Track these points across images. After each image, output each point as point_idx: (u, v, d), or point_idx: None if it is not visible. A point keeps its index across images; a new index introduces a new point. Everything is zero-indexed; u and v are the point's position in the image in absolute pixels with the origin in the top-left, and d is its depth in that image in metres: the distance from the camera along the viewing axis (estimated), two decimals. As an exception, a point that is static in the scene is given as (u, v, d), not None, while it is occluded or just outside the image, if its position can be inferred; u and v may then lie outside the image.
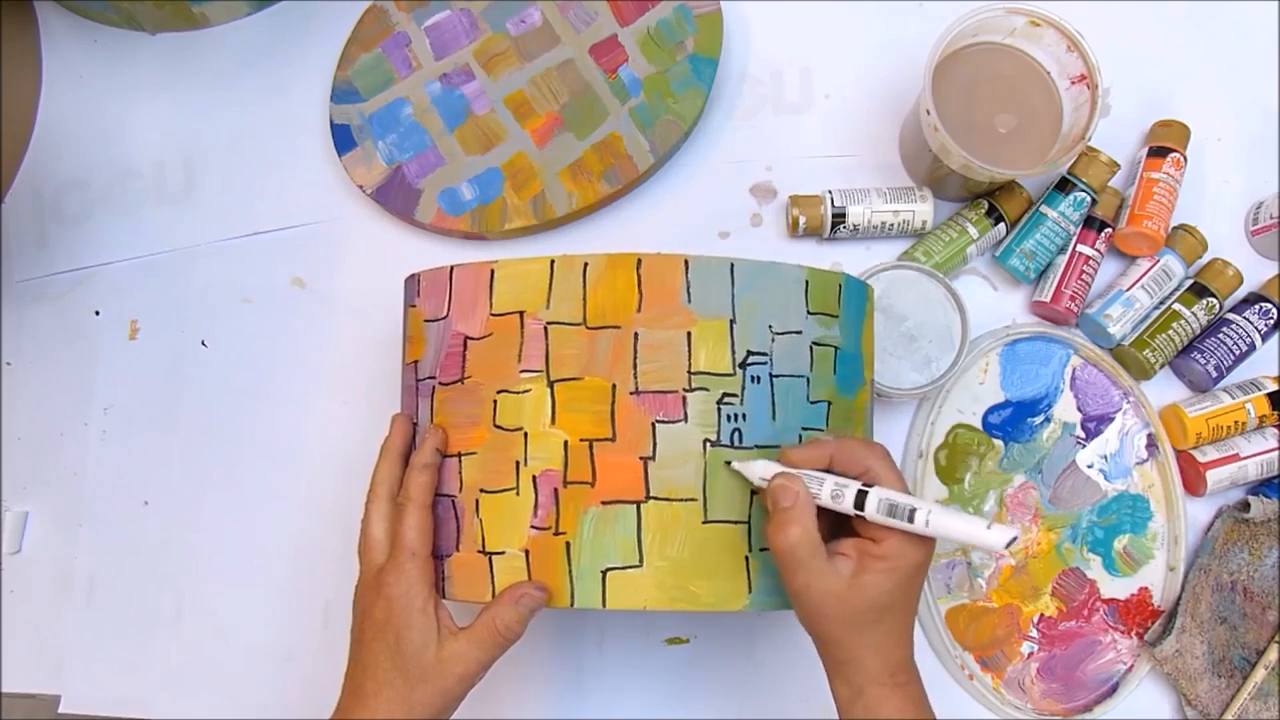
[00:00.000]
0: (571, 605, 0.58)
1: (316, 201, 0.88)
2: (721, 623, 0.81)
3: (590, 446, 0.59)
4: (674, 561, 0.58)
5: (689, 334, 0.59)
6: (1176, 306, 0.81)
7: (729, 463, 0.59)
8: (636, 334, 0.59)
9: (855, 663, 0.57)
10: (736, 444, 0.59)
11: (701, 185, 0.86)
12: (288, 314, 0.86)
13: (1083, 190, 0.81)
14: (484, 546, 0.61)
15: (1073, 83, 0.78)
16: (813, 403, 0.62)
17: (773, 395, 0.60)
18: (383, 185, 0.85)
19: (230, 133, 0.90)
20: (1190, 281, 0.83)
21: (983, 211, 0.82)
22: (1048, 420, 0.82)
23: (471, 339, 0.62)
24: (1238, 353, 0.81)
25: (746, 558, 0.60)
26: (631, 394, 0.59)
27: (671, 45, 0.85)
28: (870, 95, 0.87)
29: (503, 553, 0.60)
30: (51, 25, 0.93)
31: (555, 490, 0.59)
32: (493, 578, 0.60)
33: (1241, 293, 0.83)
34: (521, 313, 0.60)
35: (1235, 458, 0.80)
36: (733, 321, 0.60)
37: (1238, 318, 0.81)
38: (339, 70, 0.87)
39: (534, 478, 0.59)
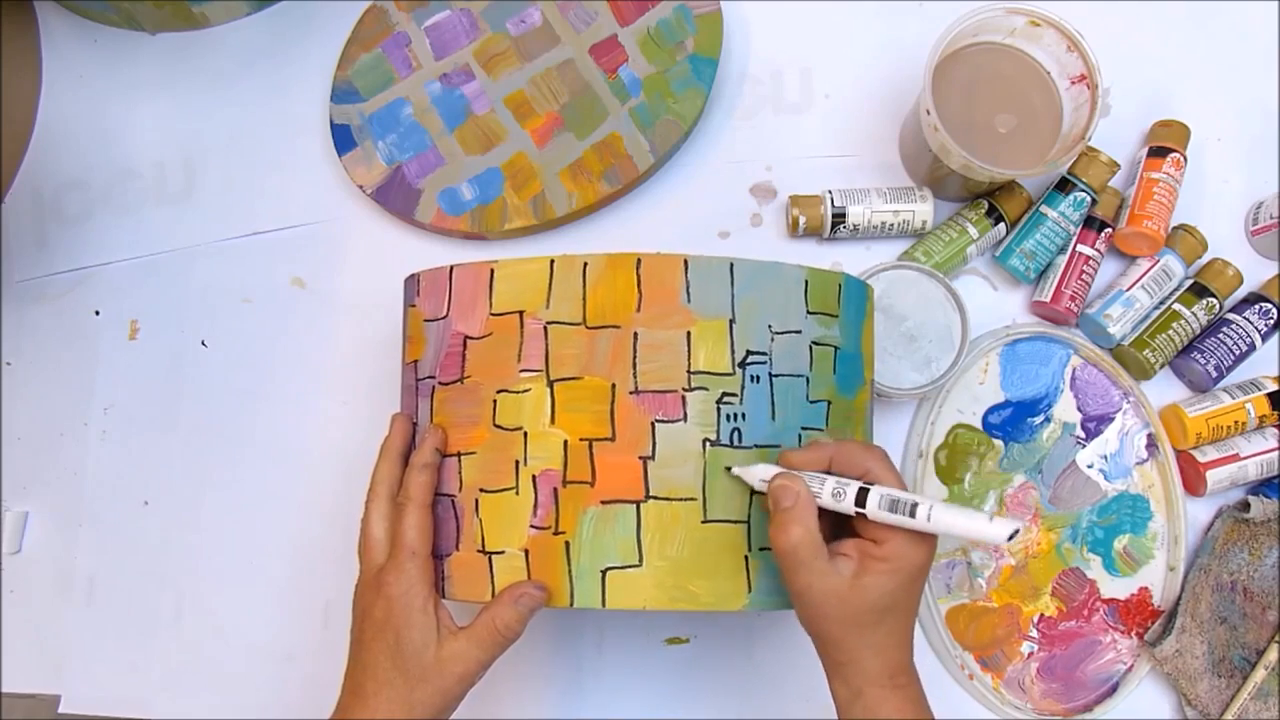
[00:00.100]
0: (571, 605, 0.59)
1: (316, 201, 0.88)
2: (721, 623, 0.81)
3: (590, 446, 0.59)
4: (673, 561, 0.58)
5: (688, 334, 0.59)
6: (1176, 306, 0.81)
7: (729, 469, 0.59)
8: (636, 334, 0.59)
9: (855, 663, 0.57)
10: (736, 443, 0.59)
11: (701, 185, 0.86)
12: (288, 314, 0.86)
13: (1083, 190, 0.81)
14: (484, 546, 0.61)
15: (1073, 83, 0.78)
16: (812, 402, 0.62)
17: (772, 395, 0.60)
18: (383, 185, 0.85)
19: (230, 133, 0.90)
20: (1190, 281, 0.83)
21: (983, 211, 0.82)
22: (1048, 420, 0.82)
23: (471, 339, 0.62)
24: (1238, 353, 0.81)
25: (746, 557, 0.60)
26: (631, 393, 0.59)
27: (671, 45, 0.85)
28: (870, 95, 0.87)
29: (502, 552, 0.60)
30: (51, 25, 0.93)
31: (555, 490, 0.59)
32: (492, 577, 0.60)
33: (1241, 293, 0.83)
34: (521, 312, 0.60)
35: (1235, 458, 0.80)
36: (732, 321, 0.60)
37: (1238, 318, 0.81)
38: (339, 70, 0.87)
39: (533, 477, 0.59)
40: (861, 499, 0.56)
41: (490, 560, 0.60)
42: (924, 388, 0.76)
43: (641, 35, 0.85)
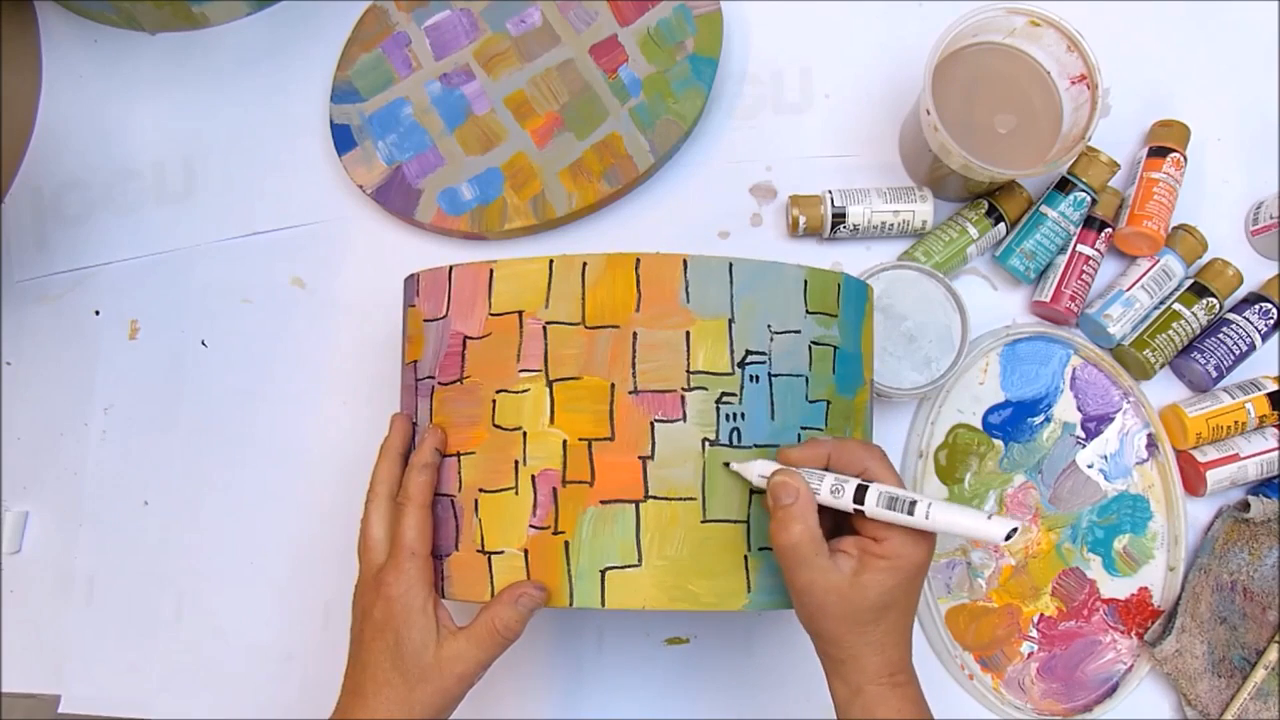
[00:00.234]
0: (570, 605, 0.59)
1: (316, 201, 0.88)
2: (721, 623, 0.81)
3: (589, 446, 0.59)
4: (673, 561, 0.58)
5: (688, 333, 0.59)
6: (1176, 306, 0.81)
7: (727, 464, 0.59)
8: (635, 333, 0.59)
9: (854, 661, 0.57)
10: (735, 443, 0.59)
11: (701, 185, 0.86)
12: (288, 314, 0.86)
13: (1083, 190, 0.81)
14: (483, 546, 0.61)
15: (1073, 83, 0.78)
16: (811, 402, 0.62)
17: (771, 395, 0.60)
18: (383, 185, 0.85)
19: (230, 133, 0.90)
20: (1190, 281, 0.83)
21: (983, 211, 0.82)
22: (1048, 420, 0.82)
23: (470, 339, 0.62)
24: (1238, 353, 0.81)
25: (746, 557, 0.60)
26: (630, 393, 0.59)
27: (671, 45, 0.85)
28: (870, 95, 0.87)
29: (502, 552, 0.60)
30: (51, 25, 0.93)
31: (554, 490, 0.59)
32: (492, 577, 0.60)
33: (1241, 293, 0.83)
34: (520, 312, 0.60)
35: (1235, 458, 0.80)
36: (731, 321, 0.60)
37: (1238, 318, 0.81)
38: (339, 70, 0.87)
39: (533, 477, 0.59)
40: (860, 496, 0.56)
41: (490, 560, 0.60)
42: (924, 388, 0.76)
43: (641, 35, 0.85)
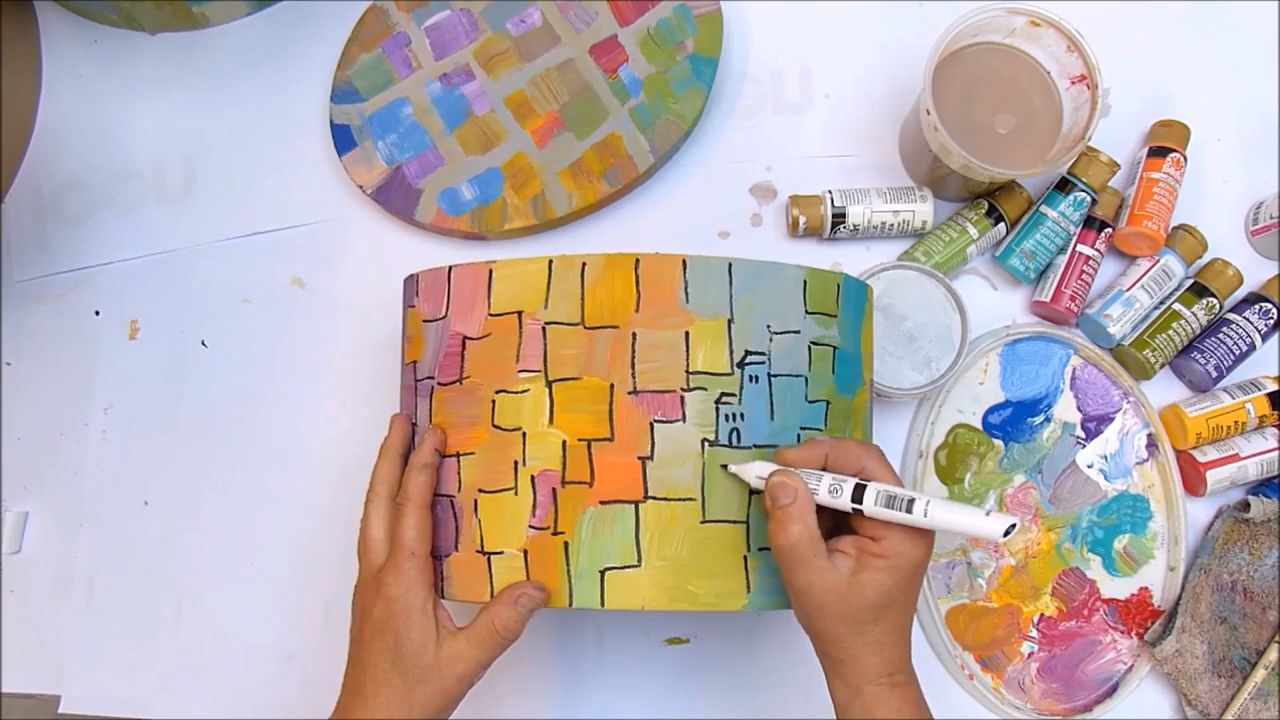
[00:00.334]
0: (570, 605, 0.59)
1: (316, 201, 0.88)
2: (721, 623, 0.81)
3: (588, 446, 0.59)
4: (672, 561, 0.58)
5: (687, 334, 0.59)
6: (1176, 306, 0.81)
7: (725, 466, 0.59)
8: (634, 334, 0.59)
9: (853, 661, 0.57)
10: (735, 444, 0.59)
11: (701, 185, 0.86)
12: (288, 314, 0.86)
13: (1083, 190, 0.81)
14: (483, 546, 0.61)
15: (1073, 83, 0.78)
16: (811, 402, 0.62)
17: (771, 395, 0.60)
18: (383, 185, 0.85)
19: (230, 133, 0.90)
20: (1190, 281, 0.83)
21: (983, 211, 0.82)
22: (1048, 420, 0.82)
23: (470, 339, 0.62)
24: (1238, 353, 0.81)
25: (745, 557, 0.60)
26: (630, 394, 0.59)
27: (671, 45, 0.85)
28: (870, 95, 0.87)
29: (501, 553, 0.60)
30: (51, 25, 0.93)
31: (553, 490, 0.59)
32: (491, 578, 0.60)
33: (1241, 293, 0.83)
34: (520, 313, 0.60)
35: (1235, 458, 0.80)
36: (731, 321, 0.60)
37: (1238, 318, 0.81)
38: (339, 70, 0.87)
39: (532, 477, 0.59)
40: (858, 495, 0.56)
41: (489, 560, 0.60)
42: (924, 388, 0.76)
43: (641, 35, 0.85)
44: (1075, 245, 0.82)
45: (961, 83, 0.80)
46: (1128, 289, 0.81)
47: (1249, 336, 0.81)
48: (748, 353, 0.60)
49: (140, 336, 0.87)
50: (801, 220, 0.83)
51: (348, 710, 0.60)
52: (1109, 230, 0.82)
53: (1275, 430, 0.81)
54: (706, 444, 0.59)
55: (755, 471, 0.58)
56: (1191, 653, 0.77)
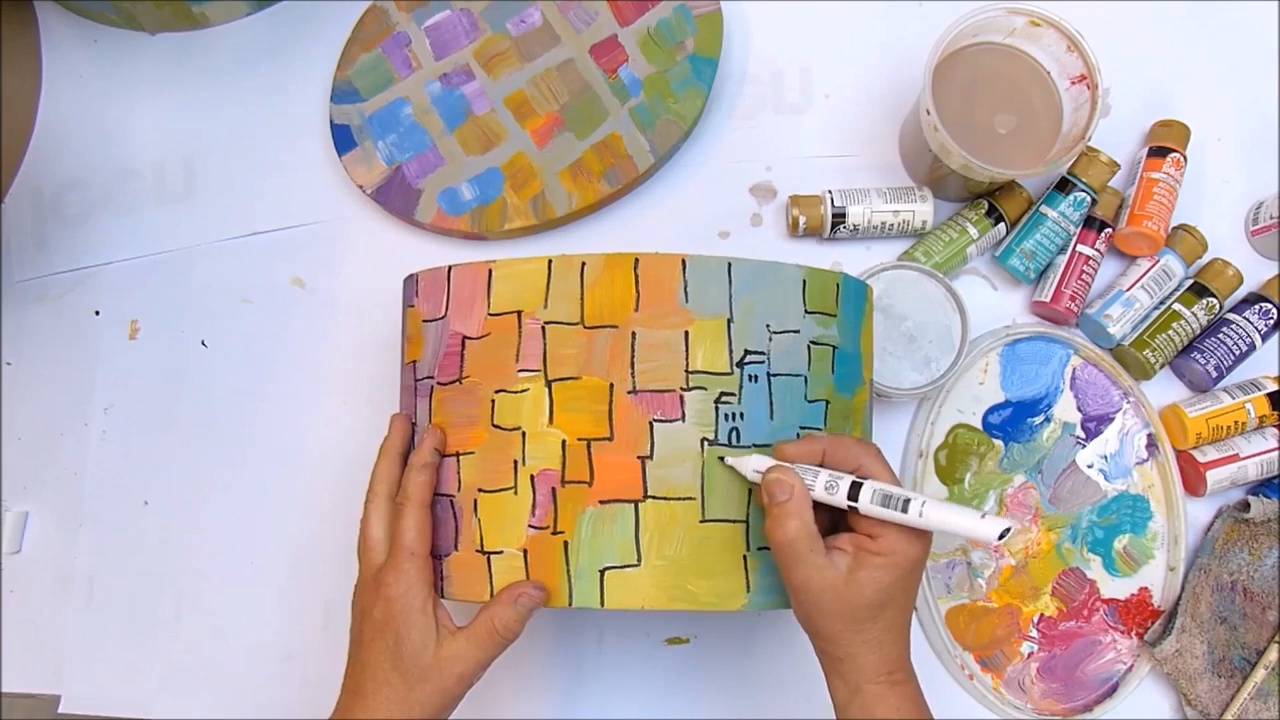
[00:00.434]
0: (570, 605, 0.59)
1: (316, 201, 0.88)
2: (721, 622, 0.81)
3: (588, 446, 0.59)
4: (672, 561, 0.58)
5: (686, 333, 0.59)
6: (1176, 306, 0.81)
7: (722, 458, 0.59)
8: (634, 333, 0.59)
9: (852, 660, 0.57)
10: (734, 443, 0.59)
11: (701, 185, 0.86)
12: (288, 314, 0.86)
13: (1083, 190, 0.81)
14: (482, 546, 0.61)
15: (1073, 83, 0.78)
16: (810, 402, 0.62)
17: (770, 394, 0.60)
18: (383, 185, 0.85)
19: (230, 133, 0.90)
20: (1190, 281, 0.83)
21: (983, 211, 0.82)
22: (1048, 420, 0.82)
23: (469, 339, 0.62)
24: (1238, 353, 0.81)
25: (745, 557, 0.60)
26: (629, 393, 0.59)
27: (671, 45, 0.85)
28: (870, 95, 0.87)
29: (501, 552, 0.60)
30: (51, 25, 0.93)
31: (553, 489, 0.59)
32: (491, 577, 0.60)
33: (1241, 293, 0.83)
34: (519, 312, 0.60)
35: (1235, 458, 0.80)
36: (730, 321, 0.60)
37: (1238, 318, 0.81)
38: (339, 70, 0.87)
39: (532, 477, 0.59)
40: (854, 493, 0.56)
41: (489, 560, 0.60)
42: (924, 388, 0.76)
43: (641, 35, 0.85)
44: (1075, 245, 0.82)
45: (961, 83, 0.80)
46: (1128, 289, 0.81)
47: (1249, 336, 0.81)
48: (747, 352, 0.60)
49: (140, 336, 0.87)
50: (801, 220, 0.83)
51: (347, 710, 0.60)
52: (1109, 230, 0.82)
53: (1275, 430, 0.81)
54: (706, 443, 0.59)
55: (752, 465, 0.58)
56: (1191, 653, 0.77)
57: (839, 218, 0.82)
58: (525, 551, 0.59)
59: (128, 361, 0.87)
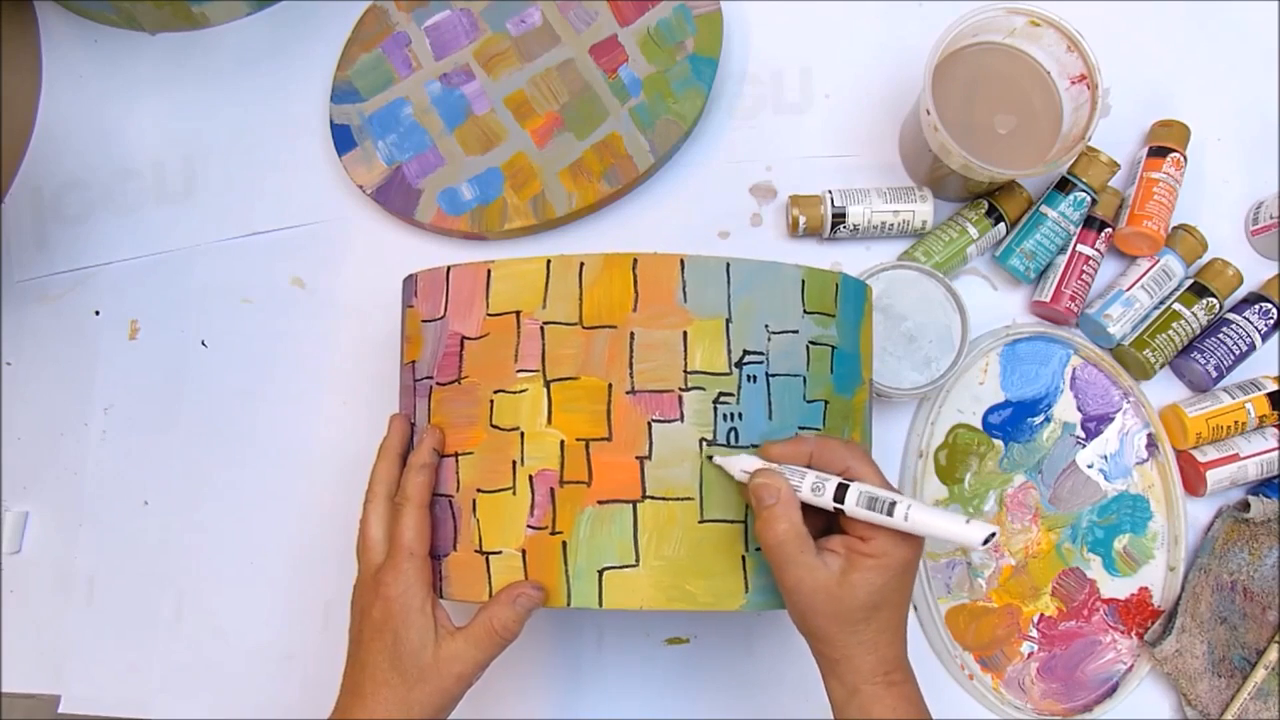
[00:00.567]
0: (568, 605, 0.59)
1: (316, 201, 0.88)
2: (721, 623, 0.81)
3: (587, 446, 0.59)
4: (670, 561, 0.58)
5: (685, 333, 0.59)
6: (1176, 306, 0.81)
7: (711, 457, 0.59)
8: (633, 334, 0.59)
9: (848, 661, 0.57)
10: (733, 443, 0.59)
11: (701, 185, 0.86)
12: (288, 314, 0.86)
13: (1083, 190, 0.81)
14: (481, 546, 0.61)
15: (1073, 83, 0.78)
16: (809, 402, 0.62)
17: (769, 395, 0.60)
18: (383, 185, 0.85)
19: (230, 133, 0.90)
20: (1190, 281, 0.82)
21: (983, 211, 0.82)
22: (1048, 420, 0.82)
23: (468, 339, 0.62)
24: (1238, 353, 0.80)
25: (743, 557, 0.60)
26: (628, 393, 0.59)
27: (671, 45, 0.85)
28: (870, 95, 0.87)
29: (499, 552, 0.60)
30: (51, 25, 0.93)
31: (552, 490, 0.59)
32: (490, 577, 0.60)
33: (1241, 293, 0.83)
34: (518, 313, 0.60)
35: (1235, 458, 0.80)
36: (729, 321, 0.60)
37: (1238, 318, 0.81)
38: (339, 70, 0.87)
39: (531, 477, 0.59)
40: (840, 495, 0.56)
41: (488, 560, 0.60)
42: (924, 388, 0.76)
43: (641, 35, 0.85)
44: (1075, 245, 0.82)
45: (961, 83, 0.80)
46: (1128, 289, 0.81)
47: (1249, 336, 0.81)
48: (746, 352, 0.60)
49: (140, 336, 0.87)
50: (801, 220, 0.83)
51: (347, 710, 0.60)
52: (1109, 230, 0.82)
53: (1275, 430, 0.81)
54: (704, 444, 0.59)
55: (740, 465, 0.58)
56: (1191, 653, 0.77)
57: (839, 218, 0.82)
58: (524, 552, 0.59)
59: (128, 361, 0.87)
